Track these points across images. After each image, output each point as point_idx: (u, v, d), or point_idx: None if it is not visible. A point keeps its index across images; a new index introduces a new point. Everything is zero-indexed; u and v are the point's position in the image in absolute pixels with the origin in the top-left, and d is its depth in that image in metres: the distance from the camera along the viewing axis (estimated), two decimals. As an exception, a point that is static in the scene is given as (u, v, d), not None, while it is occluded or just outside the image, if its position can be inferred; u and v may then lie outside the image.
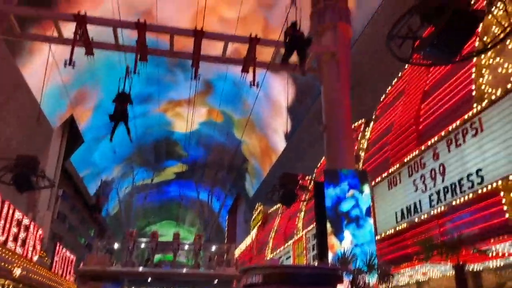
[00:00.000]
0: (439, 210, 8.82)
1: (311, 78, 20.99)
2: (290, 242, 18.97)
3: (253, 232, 28.66)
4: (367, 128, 13.96)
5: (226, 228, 45.53)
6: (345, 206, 10.18)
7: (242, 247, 31.11)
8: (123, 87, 11.65)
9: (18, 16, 11.01)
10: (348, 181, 10.41)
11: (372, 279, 8.11)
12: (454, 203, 8.35)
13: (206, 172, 42.08)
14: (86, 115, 28.26)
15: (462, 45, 6.50)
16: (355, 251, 9.26)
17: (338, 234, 9.93)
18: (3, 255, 14.41)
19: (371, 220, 10.11)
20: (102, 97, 26.94)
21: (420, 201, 9.55)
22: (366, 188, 10.34)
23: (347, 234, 10.01)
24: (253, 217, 30.59)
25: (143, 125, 32.73)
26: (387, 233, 10.70)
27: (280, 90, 24.56)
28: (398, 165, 10.55)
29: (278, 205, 25.28)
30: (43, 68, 15.26)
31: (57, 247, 22.08)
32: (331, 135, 11.39)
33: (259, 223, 28.00)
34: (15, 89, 18.56)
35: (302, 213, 18.78)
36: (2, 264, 14.34)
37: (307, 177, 16.61)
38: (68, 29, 11.44)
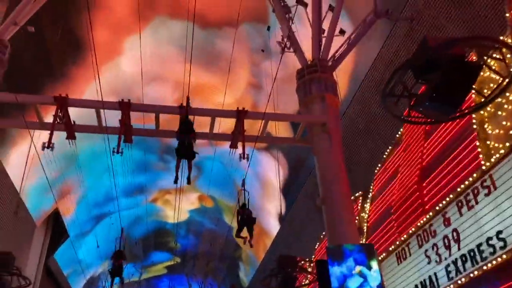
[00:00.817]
0: (459, 282, 7.88)
1: (302, 153, 20.67)
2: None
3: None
4: (366, 201, 13.27)
5: (222, 324, 42.20)
6: (353, 285, 9.12)
7: None
8: (119, 246, 16.66)
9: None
10: (354, 257, 9.44)
11: None
12: (476, 272, 7.47)
13: (197, 263, 39.98)
14: (70, 209, 27.14)
15: (462, 97, 6.18)
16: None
17: (349, 320, 8.77)
18: None
19: (384, 300, 9.01)
20: (86, 190, 26.08)
21: (436, 274, 8.60)
22: (375, 264, 9.35)
23: (358, 318, 8.86)
24: (250, 309, 28.38)
25: (131, 218, 31.54)
26: (403, 315, 9.57)
27: (270, 169, 24.13)
28: (405, 236, 9.73)
29: (277, 292, 23.52)
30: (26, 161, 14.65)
31: None
32: (330, 209, 10.62)
33: (257, 316, 25.85)
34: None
35: (304, 299, 17.26)
36: None
37: (306, 259, 15.55)
38: (51, 116, 11.05)
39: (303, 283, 14.55)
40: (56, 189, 22.41)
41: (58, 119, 9.92)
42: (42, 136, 11.97)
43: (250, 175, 26.79)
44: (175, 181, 10.43)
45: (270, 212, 28.39)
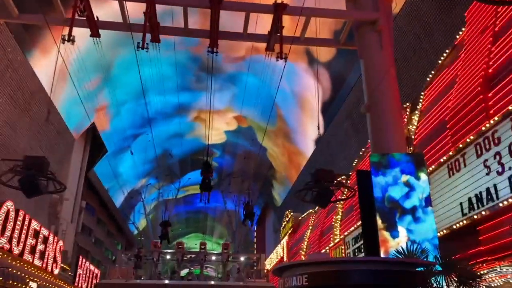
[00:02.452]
0: (525, 194, 6.93)
1: (343, 69, 19.28)
2: (327, 248, 17.15)
3: (284, 241, 26.89)
4: (414, 112, 12.08)
5: (255, 239, 43.77)
6: (397, 194, 8.37)
7: (272, 257, 29.33)
8: (164, 216, 21.67)
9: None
10: (401, 167, 8.61)
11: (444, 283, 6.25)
12: (549, 182, 6.47)
13: (232, 181, 40.67)
14: (107, 125, 27.33)
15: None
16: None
17: (392, 230, 8.14)
18: (18, 268, 13.35)
19: (432, 213, 8.23)
20: (121, 105, 25.91)
21: (495, 186, 7.67)
22: (424, 175, 8.51)
23: (401, 229, 8.20)
24: (283, 225, 28.83)
25: (170, 138, 31.67)
26: (451, 229, 8.82)
27: (308, 86, 22.89)
28: (461, 146, 8.69)
29: (310, 210, 23.46)
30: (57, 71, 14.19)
31: (80, 261, 21.28)
32: (375, 116, 9.64)
33: (290, 231, 26.22)
34: (33, 97, 17.54)
35: (339, 216, 16.93)
36: (19, 274, 13.25)
37: (344, 174, 14.84)
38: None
39: (339, 198, 14.01)
40: (92, 105, 22.30)
41: (78, 12, 9.08)
42: (67, 50, 11.23)
43: (288, 92, 25.71)
44: (201, 200, 15.53)
45: (306, 131, 27.61)
